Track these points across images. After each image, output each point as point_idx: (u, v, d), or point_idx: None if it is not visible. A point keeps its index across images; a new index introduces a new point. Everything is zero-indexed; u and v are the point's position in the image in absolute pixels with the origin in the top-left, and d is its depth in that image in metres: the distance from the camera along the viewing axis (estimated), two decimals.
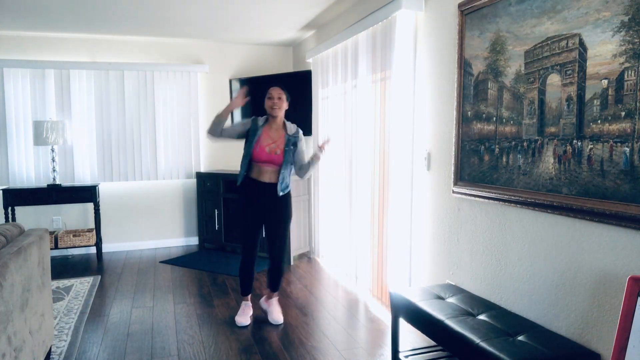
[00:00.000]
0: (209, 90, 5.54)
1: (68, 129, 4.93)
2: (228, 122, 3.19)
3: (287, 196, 3.22)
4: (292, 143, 3.12)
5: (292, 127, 3.19)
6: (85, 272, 4.47)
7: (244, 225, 3.21)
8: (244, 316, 3.24)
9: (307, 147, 5.15)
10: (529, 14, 2.11)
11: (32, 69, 4.84)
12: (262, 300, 3.44)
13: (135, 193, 5.38)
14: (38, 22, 4.40)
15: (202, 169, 5.53)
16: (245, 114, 5.42)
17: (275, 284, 3.31)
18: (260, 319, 3.29)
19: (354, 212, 3.88)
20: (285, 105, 3.15)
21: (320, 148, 3.12)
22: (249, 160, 3.11)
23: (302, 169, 3.23)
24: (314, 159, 3.15)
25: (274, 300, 3.33)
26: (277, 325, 3.17)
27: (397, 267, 3.25)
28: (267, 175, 3.12)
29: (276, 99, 3.10)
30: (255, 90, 5.48)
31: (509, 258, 2.33)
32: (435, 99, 2.87)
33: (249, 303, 3.33)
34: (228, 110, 3.11)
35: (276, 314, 3.25)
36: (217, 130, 3.12)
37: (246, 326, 3.17)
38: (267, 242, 3.27)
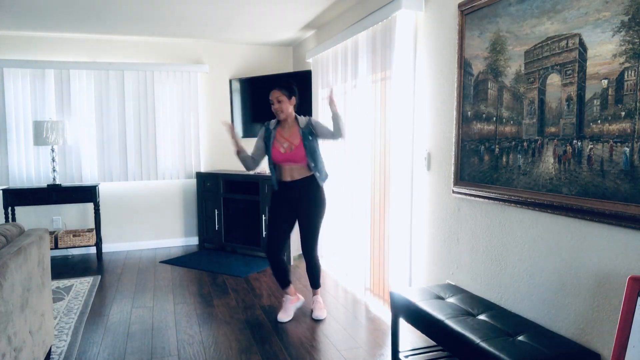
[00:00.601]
0: (209, 90, 5.54)
1: (68, 129, 4.92)
2: (250, 149, 3.33)
3: (316, 189, 3.23)
4: (309, 134, 3.17)
5: (303, 120, 3.23)
6: (85, 272, 4.47)
7: (268, 223, 3.33)
8: (284, 312, 3.30)
9: None
10: (529, 14, 2.11)
11: (32, 69, 4.84)
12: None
13: (135, 193, 5.38)
14: (38, 22, 4.40)
15: (202, 169, 5.53)
16: (246, 117, 5.42)
17: (312, 281, 3.40)
18: (261, 318, 3.29)
19: (354, 212, 3.88)
20: (289, 104, 3.18)
21: (330, 102, 3.12)
22: (271, 163, 3.23)
23: (334, 133, 3.20)
24: (334, 116, 3.13)
25: (316, 298, 3.41)
26: (278, 325, 3.17)
27: (397, 267, 3.25)
28: (288, 173, 3.20)
29: (276, 103, 3.14)
30: (256, 90, 5.51)
31: (509, 258, 2.33)
32: (435, 99, 2.87)
33: (289, 297, 3.35)
34: (235, 144, 3.21)
35: (317, 310, 3.33)
36: (249, 165, 3.28)
37: (284, 322, 3.23)
38: (301, 240, 3.34)
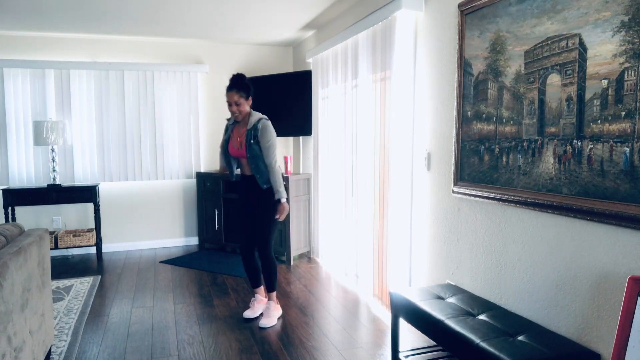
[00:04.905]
0: (209, 90, 5.54)
1: (68, 129, 4.93)
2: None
3: (265, 189, 3.16)
4: (252, 136, 3.09)
5: (253, 120, 3.13)
6: (85, 272, 4.47)
7: (239, 219, 3.33)
8: (251, 310, 3.32)
9: (306, 146, 5.16)
10: (529, 14, 2.11)
11: (32, 69, 4.84)
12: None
13: (135, 193, 5.38)
14: (38, 22, 4.40)
15: (202, 169, 5.53)
16: None
17: (265, 282, 3.29)
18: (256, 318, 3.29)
19: (354, 212, 3.88)
20: (245, 105, 3.11)
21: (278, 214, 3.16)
22: (228, 156, 3.24)
23: (269, 176, 3.15)
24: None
25: (270, 303, 3.26)
26: (278, 325, 3.17)
27: (397, 267, 3.25)
28: (245, 168, 3.23)
29: (234, 105, 3.08)
30: (256, 90, 5.49)
31: (509, 258, 2.33)
32: (435, 99, 2.87)
33: (258, 296, 3.37)
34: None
35: (265, 318, 3.20)
36: (222, 161, 3.32)
37: (250, 319, 3.25)
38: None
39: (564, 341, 1.92)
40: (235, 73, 3.16)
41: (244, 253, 3.32)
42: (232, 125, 3.23)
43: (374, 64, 3.42)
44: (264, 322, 3.16)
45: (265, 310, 3.25)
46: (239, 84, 3.07)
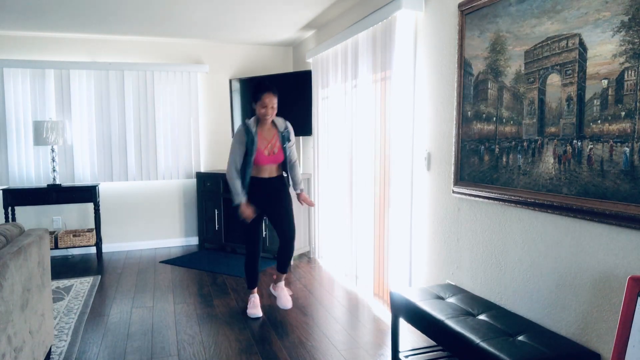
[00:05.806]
0: (209, 90, 5.54)
1: (68, 129, 4.93)
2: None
3: (286, 185, 3.39)
4: (286, 139, 3.24)
5: (281, 123, 3.24)
6: (85, 272, 4.47)
7: (245, 223, 3.26)
8: (255, 308, 3.35)
9: (306, 146, 5.16)
10: (529, 14, 2.11)
11: (32, 69, 4.84)
12: (271, 287, 3.61)
13: (135, 193, 5.38)
14: (38, 22, 4.40)
15: (202, 169, 5.53)
16: (245, 117, 5.42)
17: (285, 264, 3.40)
18: (261, 318, 3.29)
19: (354, 211, 3.88)
20: (276, 108, 3.18)
21: (300, 200, 3.44)
22: (250, 164, 3.13)
23: (292, 175, 3.41)
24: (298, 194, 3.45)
25: (282, 284, 3.45)
26: (278, 325, 3.17)
27: (397, 267, 3.25)
28: (266, 172, 3.24)
29: (270, 108, 3.08)
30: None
31: (509, 258, 2.33)
32: (435, 99, 2.87)
33: (256, 295, 3.44)
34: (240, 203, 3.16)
35: (285, 301, 3.36)
36: (239, 184, 3.16)
37: (259, 317, 3.30)
38: (278, 228, 3.31)
39: (564, 341, 1.92)
40: (260, 76, 3.20)
41: (255, 256, 3.35)
42: (256, 134, 3.11)
43: (374, 64, 3.42)
44: (287, 304, 3.36)
45: (283, 292, 3.41)
46: (274, 87, 3.13)
